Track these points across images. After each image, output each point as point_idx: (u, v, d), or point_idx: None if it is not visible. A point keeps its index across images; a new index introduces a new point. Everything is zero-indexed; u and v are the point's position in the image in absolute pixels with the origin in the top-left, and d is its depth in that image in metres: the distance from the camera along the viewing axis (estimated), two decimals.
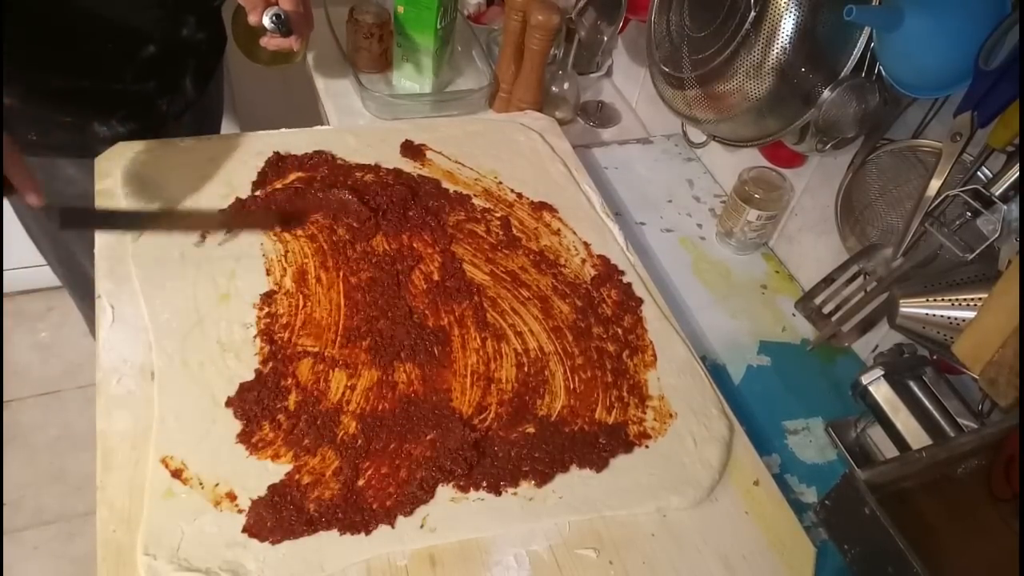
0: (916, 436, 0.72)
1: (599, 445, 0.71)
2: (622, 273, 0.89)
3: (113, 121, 0.93)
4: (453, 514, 0.66)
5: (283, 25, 0.87)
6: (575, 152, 1.06)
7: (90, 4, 0.84)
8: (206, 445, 0.67)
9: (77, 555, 1.50)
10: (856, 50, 0.76)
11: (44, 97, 0.87)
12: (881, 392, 0.75)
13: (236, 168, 0.92)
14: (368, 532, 0.63)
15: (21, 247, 1.23)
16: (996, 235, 0.64)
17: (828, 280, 0.88)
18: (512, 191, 0.97)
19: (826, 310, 0.87)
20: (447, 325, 0.80)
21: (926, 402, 0.75)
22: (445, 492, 0.67)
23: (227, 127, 1.38)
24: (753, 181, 1.00)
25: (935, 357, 0.77)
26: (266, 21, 0.86)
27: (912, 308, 0.71)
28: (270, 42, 0.89)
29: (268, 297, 0.79)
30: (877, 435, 0.79)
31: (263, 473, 0.66)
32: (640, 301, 0.86)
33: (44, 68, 0.85)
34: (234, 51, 1.05)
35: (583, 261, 0.90)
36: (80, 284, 1.16)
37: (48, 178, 0.97)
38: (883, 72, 0.74)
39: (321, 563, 0.61)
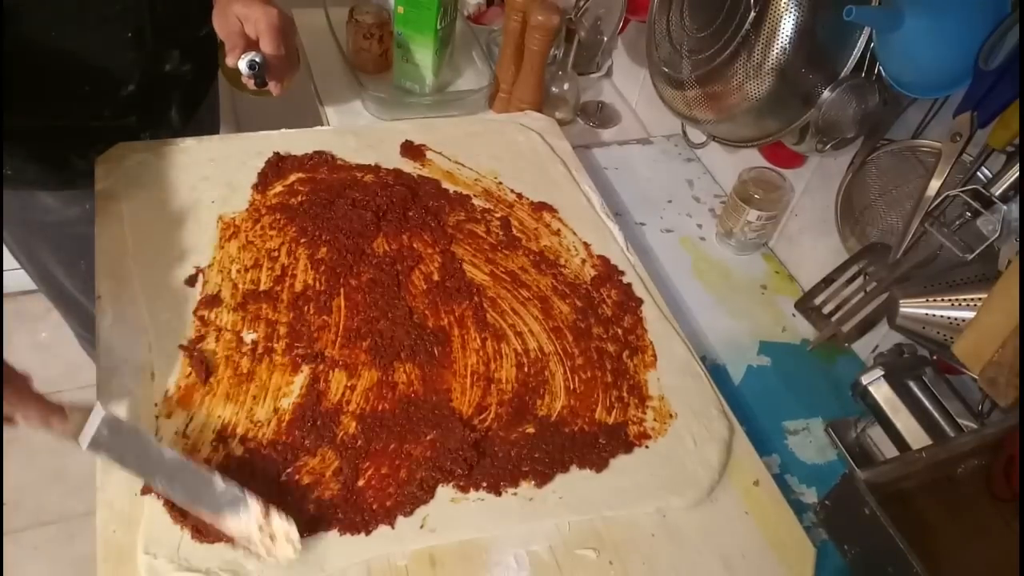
0: (916, 436, 0.72)
1: (599, 445, 0.71)
2: (622, 273, 0.89)
3: (91, 154, 0.90)
4: (453, 514, 0.66)
5: (258, 75, 0.84)
6: (575, 152, 1.06)
7: (63, 46, 0.82)
8: None
9: (77, 555, 1.50)
10: (856, 50, 0.76)
11: (17, 134, 0.84)
12: (881, 392, 0.75)
13: (236, 168, 0.92)
14: (368, 532, 0.63)
15: None
16: (996, 235, 0.64)
17: (828, 280, 0.88)
18: (512, 191, 0.97)
19: (826, 310, 0.87)
20: (447, 325, 0.80)
21: (926, 402, 0.75)
22: (445, 492, 0.67)
23: (227, 127, 1.38)
24: (753, 181, 1.00)
25: (935, 357, 0.77)
26: (242, 66, 0.84)
27: (912, 308, 0.71)
28: (248, 83, 0.87)
29: (269, 296, 0.79)
30: (877, 435, 0.79)
31: None
32: (640, 301, 0.86)
33: (16, 107, 0.83)
34: None
35: (583, 261, 0.90)
36: (62, 297, 1.14)
37: (25, 207, 0.96)
38: (883, 72, 0.74)
39: (321, 563, 0.61)
